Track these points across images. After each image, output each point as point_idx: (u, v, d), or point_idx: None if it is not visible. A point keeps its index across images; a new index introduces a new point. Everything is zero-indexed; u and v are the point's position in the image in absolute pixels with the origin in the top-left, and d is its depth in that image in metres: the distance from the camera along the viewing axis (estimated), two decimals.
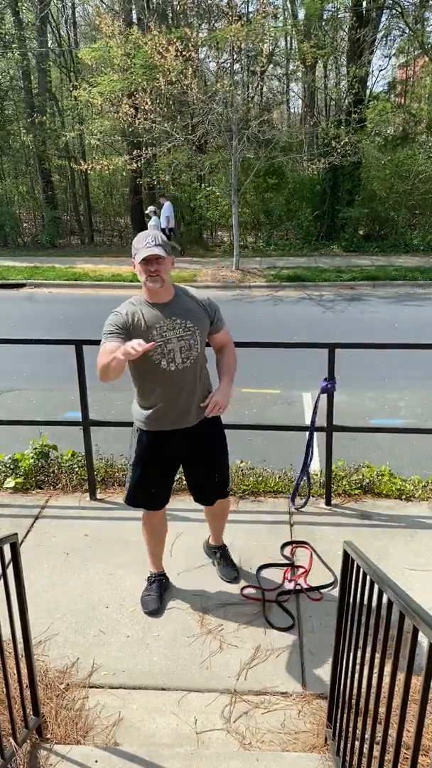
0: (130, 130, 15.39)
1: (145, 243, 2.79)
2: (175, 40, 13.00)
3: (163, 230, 16.23)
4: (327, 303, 12.72)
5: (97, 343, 4.30)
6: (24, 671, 2.40)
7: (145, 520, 3.34)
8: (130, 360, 2.70)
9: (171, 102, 15.27)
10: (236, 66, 15.53)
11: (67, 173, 21.08)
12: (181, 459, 3.19)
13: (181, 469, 3.31)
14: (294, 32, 19.02)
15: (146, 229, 20.22)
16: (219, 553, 3.58)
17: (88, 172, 16.15)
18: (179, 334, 2.88)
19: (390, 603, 1.72)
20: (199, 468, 3.21)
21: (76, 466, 4.59)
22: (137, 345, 2.53)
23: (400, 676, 1.62)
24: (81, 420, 4.24)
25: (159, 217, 16.11)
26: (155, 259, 2.78)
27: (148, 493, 3.18)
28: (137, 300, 2.96)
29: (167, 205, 16.36)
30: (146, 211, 16.90)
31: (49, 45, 20.51)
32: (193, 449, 3.13)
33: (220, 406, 2.96)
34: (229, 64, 14.83)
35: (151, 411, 3.00)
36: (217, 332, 3.08)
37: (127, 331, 2.85)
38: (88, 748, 2.37)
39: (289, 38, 20.78)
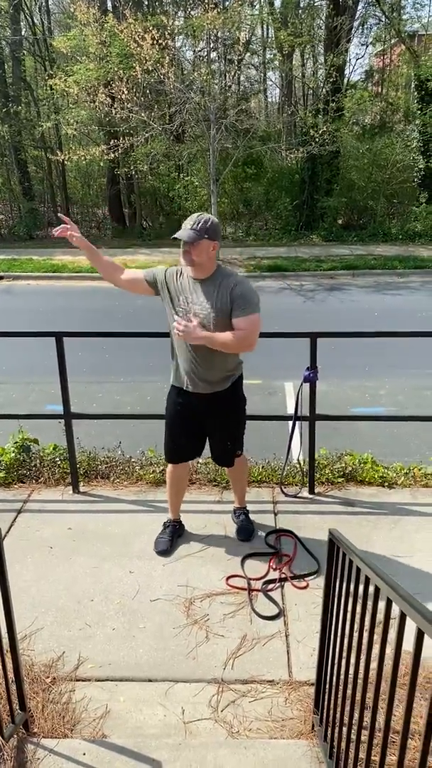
0: (107, 119, 15.23)
1: (186, 224, 3.05)
2: (151, 28, 12.86)
3: None
4: (307, 293, 12.76)
5: (77, 335, 4.32)
6: (9, 666, 2.38)
7: (169, 471, 3.67)
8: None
9: (148, 91, 15.11)
10: (213, 54, 15.42)
11: (43, 164, 20.78)
12: (202, 422, 3.48)
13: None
14: (271, 20, 18.93)
15: (124, 220, 20.11)
16: (239, 513, 3.86)
17: (65, 162, 15.95)
18: (196, 310, 3.15)
19: (377, 589, 1.73)
20: (213, 433, 3.54)
21: (58, 459, 4.56)
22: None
23: (388, 662, 1.63)
24: (62, 413, 4.21)
25: None
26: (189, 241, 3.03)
27: (171, 444, 3.56)
28: (182, 269, 3.23)
29: None
30: None
31: (23, 33, 20.16)
32: (210, 415, 3.44)
33: (184, 331, 3.05)
34: (205, 53, 14.73)
35: (173, 368, 3.41)
36: (236, 318, 3.17)
37: (156, 285, 3.25)
38: (76, 741, 2.37)
39: (265, 26, 20.68)
